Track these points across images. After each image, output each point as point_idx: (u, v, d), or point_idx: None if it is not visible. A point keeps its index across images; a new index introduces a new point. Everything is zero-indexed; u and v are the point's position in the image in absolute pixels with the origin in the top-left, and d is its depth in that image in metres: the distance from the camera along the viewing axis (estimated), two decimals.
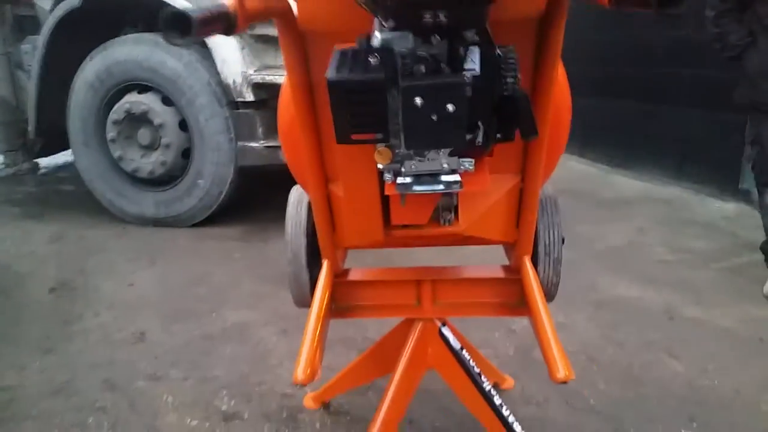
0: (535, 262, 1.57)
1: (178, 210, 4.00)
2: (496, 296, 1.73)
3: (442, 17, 0.88)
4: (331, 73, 0.89)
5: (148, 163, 3.95)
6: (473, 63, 0.96)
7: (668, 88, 4.64)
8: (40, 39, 3.90)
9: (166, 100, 3.83)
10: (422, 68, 0.94)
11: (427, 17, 0.89)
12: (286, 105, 1.35)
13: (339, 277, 1.76)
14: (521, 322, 2.59)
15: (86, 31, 3.87)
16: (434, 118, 0.90)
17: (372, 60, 0.90)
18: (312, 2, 1.14)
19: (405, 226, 1.34)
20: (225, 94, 3.65)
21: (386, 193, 1.11)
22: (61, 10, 3.77)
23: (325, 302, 1.54)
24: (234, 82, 3.61)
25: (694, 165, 4.51)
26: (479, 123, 1.03)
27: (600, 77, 5.44)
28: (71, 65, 3.90)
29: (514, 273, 1.63)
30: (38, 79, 3.98)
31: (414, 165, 1.08)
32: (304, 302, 1.70)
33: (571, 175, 5.07)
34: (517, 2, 1.12)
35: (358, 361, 2.07)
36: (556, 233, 1.52)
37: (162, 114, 3.82)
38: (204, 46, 3.62)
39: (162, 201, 4.03)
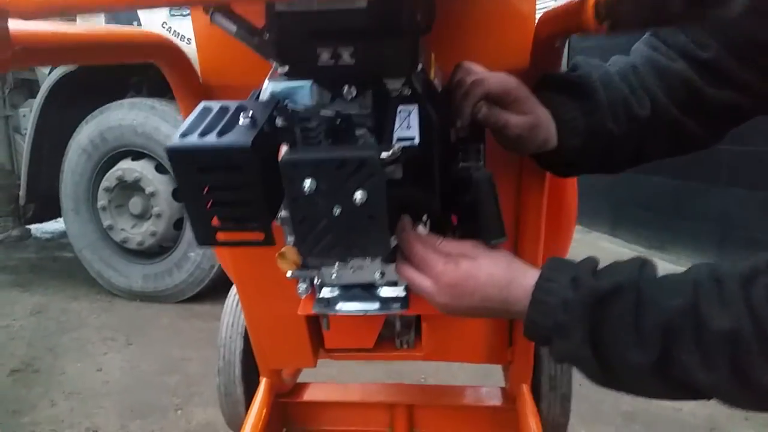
0: (537, 394, 1.19)
1: (166, 284, 3.70)
2: (489, 427, 1.35)
3: (346, 56, 0.56)
4: (174, 138, 0.57)
5: (138, 234, 3.69)
6: (410, 128, 0.64)
7: (706, 164, 4.26)
8: (35, 102, 3.75)
9: (161, 168, 3.61)
10: (328, 135, 0.62)
11: (325, 56, 0.57)
12: None
13: (291, 395, 1.40)
14: None
15: (84, 95, 3.71)
16: (336, 212, 0.57)
17: (243, 119, 0.58)
18: (217, 50, 0.85)
19: (348, 348, 0.99)
20: None
21: (299, 312, 0.77)
22: (56, 74, 3.63)
23: (260, 430, 1.18)
24: None
25: (735, 248, 4.07)
26: (424, 216, 0.70)
27: None
28: (68, 129, 3.73)
29: (512, 400, 1.25)
30: (31, 142, 3.82)
31: (336, 273, 0.74)
32: (236, 424, 1.35)
33: (601, 257, 4.61)
34: (496, 51, 0.81)
35: None
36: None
37: (155, 182, 3.58)
38: None
39: (150, 274, 3.74)
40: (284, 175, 0.56)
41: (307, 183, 0.55)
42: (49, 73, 3.73)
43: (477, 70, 0.73)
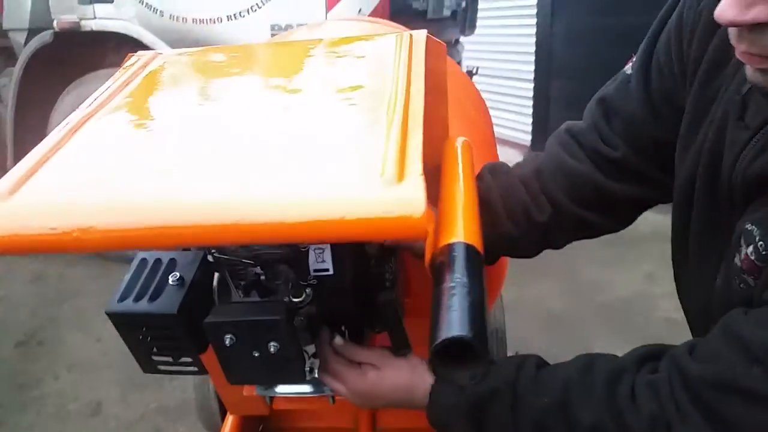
0: None
1: None
2: None
3: None
4: (111, 300, 0.67)
5: None
6: (324, 261, 0.73)
7: None
8: (14, 74, 3.75)
9: None
10: (251, 284, 0.71)
11: None
12: None
13: None
14: None
15: (65, 65, 3.70)
16: (255, 355, 0.67)
17: (172, 280, 0.67)
18: None
19: None
20: None
21: (244, 394, 0.89)
22: (32, 46, 3.61)
23: None
24: None
25: None
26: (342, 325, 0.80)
27: None
28: (51, 98, 3.75)
29: None
30: (14, 112, 3.84)
31: None
32: (214, 428, 1.50)
33: None
34: None
35: None
36: None
37: None
38: None
39: None
40: (207, 333, 0.66)
41: (227, 339, 0.66)
42: (25, 44, 3.71)
43: None
